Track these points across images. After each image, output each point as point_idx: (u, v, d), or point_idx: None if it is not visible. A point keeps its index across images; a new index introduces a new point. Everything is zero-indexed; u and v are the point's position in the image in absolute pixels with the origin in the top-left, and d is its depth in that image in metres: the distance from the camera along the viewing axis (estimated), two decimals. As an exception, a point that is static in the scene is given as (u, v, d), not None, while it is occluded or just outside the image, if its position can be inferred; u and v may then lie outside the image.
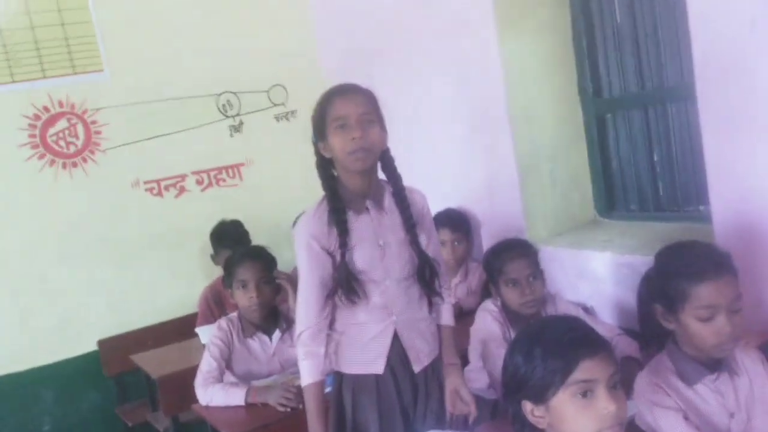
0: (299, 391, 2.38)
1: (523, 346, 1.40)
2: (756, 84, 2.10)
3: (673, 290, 1.68)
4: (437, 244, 2.19)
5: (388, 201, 2.05)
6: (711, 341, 1.65)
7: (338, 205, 1.97)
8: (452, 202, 3.38)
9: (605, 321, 2.63)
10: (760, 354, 1.82)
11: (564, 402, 1.34)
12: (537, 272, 2.42)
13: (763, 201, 2.16)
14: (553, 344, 1.35)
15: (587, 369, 1.33)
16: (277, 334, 2.78)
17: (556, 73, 3.12)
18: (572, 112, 3.17)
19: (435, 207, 3.27)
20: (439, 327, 2.16)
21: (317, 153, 2.02)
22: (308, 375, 1.99)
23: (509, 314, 2.44)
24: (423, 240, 2.08)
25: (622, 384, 1.40)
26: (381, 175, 2.08)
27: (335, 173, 2.02)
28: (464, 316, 2.93)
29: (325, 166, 2.02)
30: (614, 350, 2.23)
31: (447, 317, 2.19)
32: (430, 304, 2.13)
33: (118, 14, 3.82)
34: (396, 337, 2.04)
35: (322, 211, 1.99)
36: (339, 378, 2.08)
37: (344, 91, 1.97)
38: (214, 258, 3.64)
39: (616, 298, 2.68)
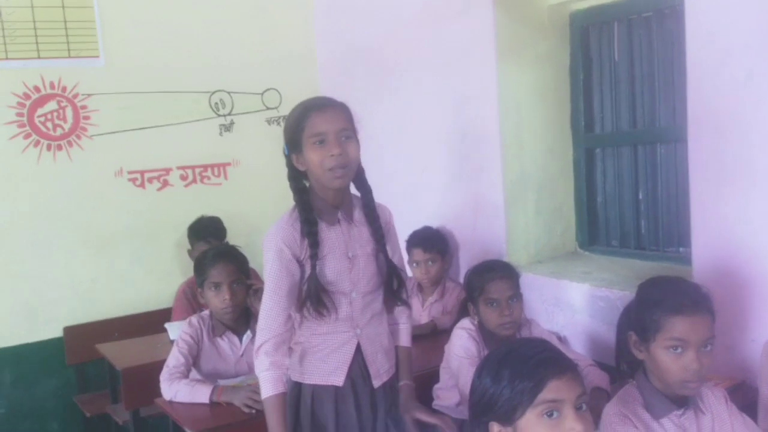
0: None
1: (491, 368, 1.39)
2: (748, 134, 2.15)
3: (648, 319, 1.70)
4: (401, 259, 2.20)
5: (358, 214, 2.06)
6: (677, 376, 1.67)
7: (310, 217, 1.96)
8: (436, 221, 3.39)
9: (577, 351, 2.64)
10: (725, 393, 1.85)
11: (531, 422, 1.33)
12: (517, 295, 2.43)
13: (745, 248, 2.20)
14: (520, 365, 1.35)
15: (554, 389, 1.32)
16: (248, 335, 2.75)
17: (550, 105, 3.16)
18: (563, 144, 3.21)
19: (418, 224, 3.31)
20: (396, 348, 2.16)
21: (289, 165, 2.00)
22: (272, 386, 1.93)
23: (485, 334, 2.44)
24: (389, 251, 2.09)
25: (591, 411, 1.41)
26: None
27: (307, 184, 2.02)
28: (439, 334, 2.94)
29: (298, 178, 2.01)
30: (584, 379, 2.25)
31: (406, 338, 2.19)
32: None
33: (121, 3, 3.81)
34: (358, 351, 2.04)
35: (295, 219, 1.98)
36: (297, 388, 2.06)
37: (321, 106, 1.95)
38: (191, 253, 3.61)
39: (590, 329, 2.70)
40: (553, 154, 3.18)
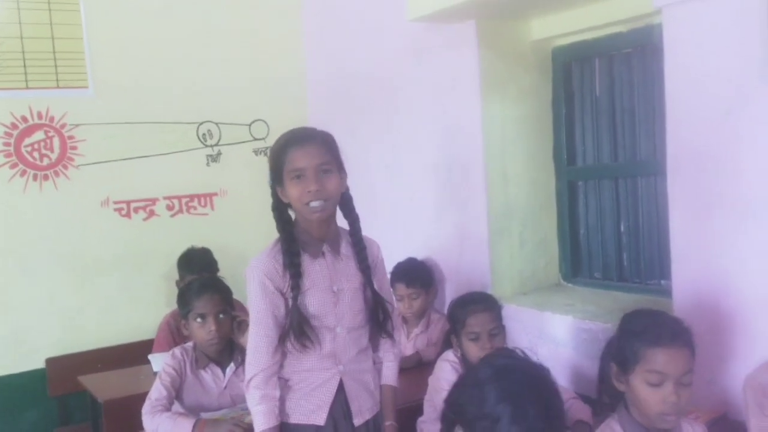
0: (249, 428, 2.35)
1: (503, 392, 1.31)
2: (725, 169, 2.18)
3: (628, 350, 1.72)
4: (389, 292, 2.21)
5: (345, 247, 2.06)
6: (656, 408, 1.68)
7: (293, 248, 1.96)
8: (422, 253, 3.40)
9: (560, 384, 2.64)
10: (704, 427, 1.86)
11: None
12: (499, 328, 2.43)
13: (724, 281, 2.22)
14: (528, 419, 1.29)
15: None
16: (231, 367, 2.73)
17: (533, 138, 3.21)
18: (546, 177, 3.25)
19: (404, 255, 3.32)
20: (381, 386, 2.15)
21: (274, 196, 2.02)
22: (265, 420, 1.94)
23: (468, 367, 2.43)
24: (375, 284, 2.09)
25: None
26: (341, 222, 2.10)
27: (292, 215, 2.03)
28: (424, 366, 2.93)
29: (282, 209, 2.02)
30: (566, 412, 2.25)
31: (391, 377, 2.18)
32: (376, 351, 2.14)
33: (110, 35, 3.85)
34: (341, 388, 2.03)
35: (277, 251, 1.98)
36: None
37: (300, 141, 1.95)
38: (179, 283, 3.59)
39: (573, 362, 2.71)
40: (536, 186, 3.22)
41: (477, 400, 1.32)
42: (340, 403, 2.03)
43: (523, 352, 1.42)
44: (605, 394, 1.91)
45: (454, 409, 1.37)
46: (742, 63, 2.12)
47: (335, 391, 2.02)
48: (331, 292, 2.01)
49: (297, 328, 1.95)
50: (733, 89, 2.15)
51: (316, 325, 1.98)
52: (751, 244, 2.14)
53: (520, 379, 1.34)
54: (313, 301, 1.98)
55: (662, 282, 2.84)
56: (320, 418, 2.00)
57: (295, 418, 2.01)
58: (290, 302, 1.96)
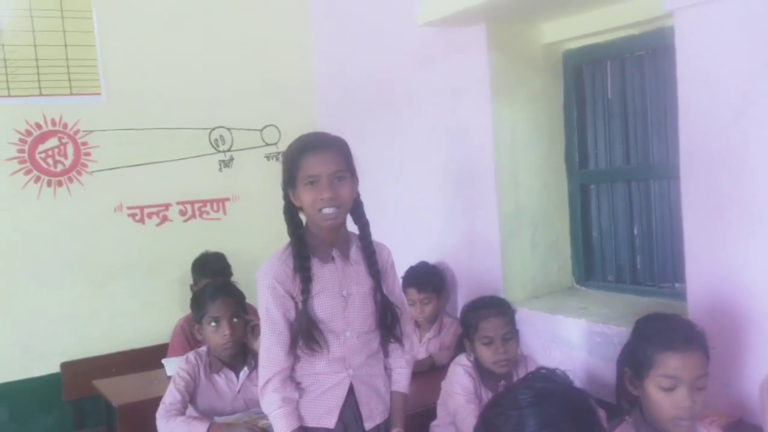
0: (263, 431, 2.36)
1: (543, 418, 1.24)
2: (738, 172, 2.18)
3: (641, 355, 1.72)
4: (401, 297, 2.20)
5: (355, 252, 2.06)
6: (669, 413, 1.67)
7: (303, 252, 1.97)
8: (433, 257, 3.40)
9: (574, 388, 2.64)
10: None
11: None
12: (512, 332, 2.43)
13: (738, 284, 2.21)
14: None
15: None
16: (244, 371, 2.74)
17: (544, 141, 3.20)
18: (557, 180, 3.24)
19: (415, 259, 3.32)
20: (392, 393, 2.15)
21: (286, 198, 2.02)
22: (287, 422, 1.94)
23: (482, 371, 2.44)
24: (385, 288, 2.09)
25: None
26: (352, 227, 2.10)
27: (303, 219, 2.03)
28: (436, 370, 2.93)
29: (293, 212, 2.03)
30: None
31: (402, 383, 2.17)
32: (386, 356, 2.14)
33: (122, 42, 3.88)
34: (351, 392, 2.03)
35: (288, 255, 1.99)
36: None
37: (316, 148, 1.95)
38: (193, 288, 3.61)
39: (587, 365, 2.70)
40: (548, 189, 3.22)
41: (515, 424, 1.26)
42: (351, 407, 2.03)
43: (564, 374, 1.36)
44: (623, 399, 1.90)
45: (489, 429, 1.32)
46: (753, 65, 2.11)
47: (345, 394, 2.02)
48: (340, 296, 2.01)
49: (306, 332, 1.96)
50: (744, 92, 2.14)
51: (324, 329, 1.98)
52: (764, 246, 2.13)
53: (561, 406, 1.27)
54: (322, 305, 1.99)
55: (676, 285, 2.82)
56: (330, 422, 2.01)
57: (306, 421, 2.01)
58: (300, 306, 1.97)
